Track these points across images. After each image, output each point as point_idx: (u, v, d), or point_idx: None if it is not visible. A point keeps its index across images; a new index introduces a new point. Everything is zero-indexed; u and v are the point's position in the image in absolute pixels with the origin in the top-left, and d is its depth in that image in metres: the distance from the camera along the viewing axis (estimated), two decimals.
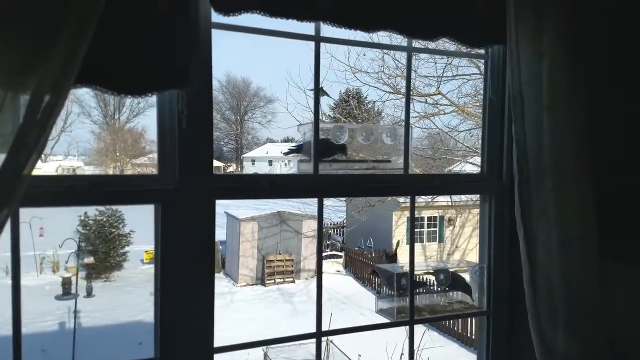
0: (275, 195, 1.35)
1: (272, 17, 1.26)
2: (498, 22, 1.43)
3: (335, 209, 14.05)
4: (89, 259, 12.87)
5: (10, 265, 1.18)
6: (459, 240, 15.39)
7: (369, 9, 1.34)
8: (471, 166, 10.10)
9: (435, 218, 15.20)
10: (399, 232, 14.73)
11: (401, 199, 12.84)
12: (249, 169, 34.88)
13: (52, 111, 1.00)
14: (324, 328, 1.47)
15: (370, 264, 13.39)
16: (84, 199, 1.21)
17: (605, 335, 1.37)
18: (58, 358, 8.72)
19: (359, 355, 7.17)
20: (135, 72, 1.14)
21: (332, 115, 17.30)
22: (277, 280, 13.77)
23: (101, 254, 13.43)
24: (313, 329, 1.46)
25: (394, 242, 14.70)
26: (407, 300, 1.63)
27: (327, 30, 1.43)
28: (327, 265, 14.43)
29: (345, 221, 15.89)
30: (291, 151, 1.54)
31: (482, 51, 1.67)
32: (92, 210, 13.84)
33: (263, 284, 13.66)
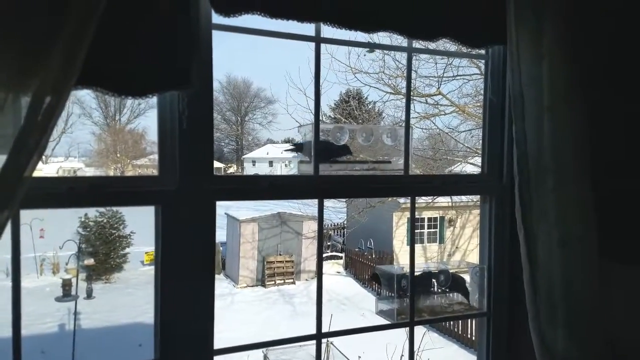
0: (276, 196, 1.35)
1: (273, 18, 1.26)
2: (498, 22, 1.43)
3: (336, 210, 14.05)
4: (89, 261, 12.86)
5: (11, 267, 1.18)
6: (459, 241, 15.38)
7: (369, 10, 1.34)
8: (472, 167, 10.10)
9: (435, 219, 15.19)
10: (400, 233, 14.72)
11: (402, 200, 12.82)
12: (249, 169, 34.90)
13: (53, 112, 1.00)
14: (325, 329, 1.47)
15: (371, 265, 13.38)
16: (84, 201, 1.21)
17: (605, 336, 1.37)
18: None
19: (359, 357, 7.16)
20: (135, 73, 1.14)
21: (333, 116, 17.31)
22: (278, 282, 13.77)
23: (101, 255, 13.42)
24: (313, 330, 1.46)
25: (395, 243, 14.69)
26: (407, 302, 1.63)
27: (328, 30, 1.43)
28: (327, 266, 14.43)
29: (345, 222, 15.89)
30: (293, 149, 1.54)
31: (482, 52, 1.67)
32: (92, 212, 13.83)
33: (263, 285, 13.65)
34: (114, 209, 13.89)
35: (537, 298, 1.39)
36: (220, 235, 14.64)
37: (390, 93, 9.77)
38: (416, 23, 1.39)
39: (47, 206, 1.15)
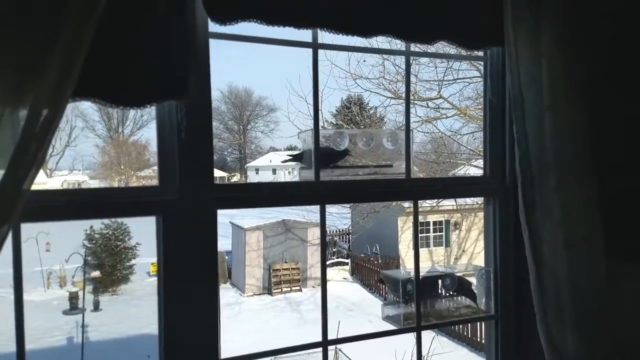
0: (277, 203, 1.35)
1: (270, 25, 1.26)
2: (496, 24, 1.42)
3: (341, 215, 14.02)
4: (96, 273, 12.89)
5: (13, 281, 1.17)
6: (465, 244, 15.31)
7: (366, 14, 1.34)
8: (475, 169, 10.08)
9: (441, 222, 15.14)
10: (405, 238, 14.67)
11: (406, 204, 12.80)
12: (253, 178, 34.97)
13: (51, 125, 1.00)
14: (332, 336, 1.46)
15: (377, 270, 13.33)
16: (85, 213, 1.20)
17: (613, 336, 1.35)
18: None
19: None
20: (133, 84, 1.13)
21: (335, 122, 17.33)
22: (284, 289, 13.73)
23: (108, 267, 13.45)
24: (321, 337, 1.45)
25: (400, 247, 14.64)
26: (414, 306, 1.62)
27: (326, 37, 1.43)
28: (333, 272, 14.39)
29: (350, 228, 15.84)
30: (291, 159, 1.54)
31: (481, 54, 1.66)
32: (97, 224, 13.88)
33: (270, 293, 13.62)
34: (119, 220, 13.92)
35: (544, 299, 1.37)
36: (226, 244, 14.65)
37: (391, 98, 9.78)
38: (413, 26, 1.39)
39: (46, 219, 1.14)
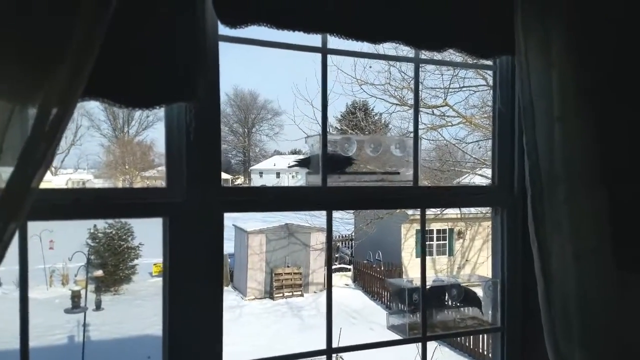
0: (284, 207, 1.34)
1: (279, 29, 1.25)
2: (506, 33, 1.42)
3: (344, 221, 14.00)
4: (98, 272, 12.91)
5: (19, 278, 1.16)
6: (469, 254, 15.23)
7: (376, 20, 1.33)
8: (480, 178, 10.04)
9: (444, 231, 15.07)
10: (408, 245, 14.62)
11: (410, 212, 12.77)
12: (256, 181, 35.01)
13: (60, 124, 1.00)
14: (334, 344, 1.44)
15: (380, 278, 13.27)
16: (91, 213, 1.20)
17: (621, 349, 1.33)
18: None
19: None
20: (142, 85, 1.13)
21: (340, 127, 17.35)
22: (286, 294, 13.70)
23: (110, 266, 13.47)
24: (322, 344, 1.43)
25: (403, 255, 14.58)
26: (418, 316, 1.60)
27: (334, 41, 1.43)
28: (335, 278, 14.34)
29: (353, 234, 15.82)
30: (297, 164, 1.53)
31: (490, 62, 1.65)
32: (101, 223, 13.92)
33: (271, 297, 13.59)
34: (123, 220, 13.96)
35: (552, 312, 1.36)
36: (228, 246, 14.64)
37: (397, 104, 9.78)
38: (423, 34, 1.38)
39: (54, 218, 1.14)
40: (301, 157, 1.65)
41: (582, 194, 1.30)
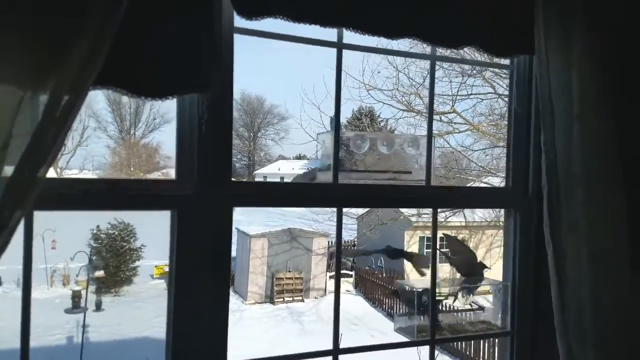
0: (295, 203, 1.31)
1: (295, 22, 1.23)
2: (525, 32, 1.39)
3: (347, 227, 13.93)
4: (100, 273, 12.88)
5: (22, 275, 1.14)
6: None
7: (394, 15, 1.31)
8: (485, 186, 9.98)
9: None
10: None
11: (414, 218, 12.71)
12: None
13: (70, 111, 0.98)
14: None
15: (381, 285, 13.19)
16: (99, 203, 1.18)
17: (637, 353, 1.30)
18: None
19: None
20: (155, 75, 1.11)
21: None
22: (286, 299, 13.61)
23: (112, 268, 13.44)
24: (332, 346, 1.40)
25: (405, 262, 14.49)
26: (425, 319, 1.57)
27: (346, 37, 1.41)
28: None
29: (356, 240, 15.74)
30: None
31: (506, 62, 1.63)
32: (104, 224, 13.91)
33: (272, 302, 13.51)
34: (126, 221, 13.95)
35: (565, 315, 1.33)
36: None
37: (404, 110, 9.77)
38: (441, 30, 1.36)
39: (61, 208, 1.11)
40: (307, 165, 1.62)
41: (599, 194, 1.27)
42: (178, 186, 1.21)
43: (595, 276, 1.27)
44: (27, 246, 1.11)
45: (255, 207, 1.36)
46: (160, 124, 34.09)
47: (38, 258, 12.43)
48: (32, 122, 0.98)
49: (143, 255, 14.28)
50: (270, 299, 13.63)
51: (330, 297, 13.53)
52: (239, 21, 1.24)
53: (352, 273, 15.16)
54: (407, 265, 14.46)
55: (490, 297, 1.77)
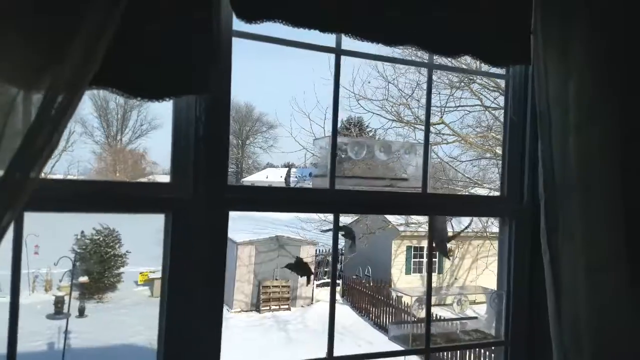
0: (291, 208, 1.30)
1: (295, 27, 1.23)
2: (522, 42, 1.41)
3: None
4: (84, 279, 12.66)
5: (10, 279, 1.10)
6: (458, 272, 15.20)
7: (393, 23, 1.31)
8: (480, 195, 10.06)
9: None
10: (398, 262, 14.56)
11: (401, 228, 12.74)
12: None
13: (65, 112, 0.96)
14: None
15: (369, 294, 13.16)
16: (92, 205, 1.15)
17: None
18: None
19: None
20: (153, 75, 1.10)
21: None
22: (273, 307, 13.49)
23: (96, 274, 13.21)
24: (326, 354, 1.38)
25: (393, 271, 14.49)
26: (418, 328, 1.55)
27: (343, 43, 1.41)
28: (324, 292, 14.17)
29: (344, 249, 15.71)
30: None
31: (502, 71, 1.64)
32: (89, 229, 13.69)
33: (258, 310, 13.38)
34: (111, 227, 13.75)
35: (561, 326, 1.32)
36: None
37: (393, 120, 9.84)
38: (440, 38, 1.36)
39: (53, 209, 1.08)
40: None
41: (597, 203, 1.27)
42: (173, 189, 1.19)
43: (592, 286, 1.27)
44: (17, 249, 1.08)
45: (249, 212, 1.35)
46: (148, 130, 33.83)
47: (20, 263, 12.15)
48: (25, 122, 0.96)
49: (128, 261, 14.07)
50: (256, 307, 13.50)
51: (317, 306, 13.44)
52: (238, 25, 1.23)
53: (340, 282, 15.10)
54: (395, 275, 14.47)
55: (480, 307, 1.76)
